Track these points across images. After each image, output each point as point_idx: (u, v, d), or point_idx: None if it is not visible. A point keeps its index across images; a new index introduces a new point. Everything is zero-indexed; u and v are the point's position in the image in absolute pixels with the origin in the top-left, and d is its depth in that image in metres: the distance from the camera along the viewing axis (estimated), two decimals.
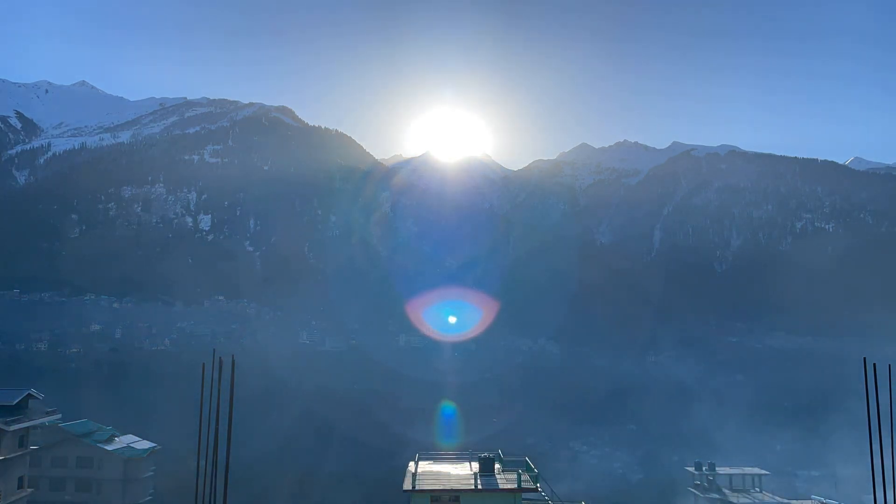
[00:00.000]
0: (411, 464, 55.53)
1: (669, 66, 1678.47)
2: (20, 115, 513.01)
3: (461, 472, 53.50)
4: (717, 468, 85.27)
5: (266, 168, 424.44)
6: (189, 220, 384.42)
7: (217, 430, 27.40)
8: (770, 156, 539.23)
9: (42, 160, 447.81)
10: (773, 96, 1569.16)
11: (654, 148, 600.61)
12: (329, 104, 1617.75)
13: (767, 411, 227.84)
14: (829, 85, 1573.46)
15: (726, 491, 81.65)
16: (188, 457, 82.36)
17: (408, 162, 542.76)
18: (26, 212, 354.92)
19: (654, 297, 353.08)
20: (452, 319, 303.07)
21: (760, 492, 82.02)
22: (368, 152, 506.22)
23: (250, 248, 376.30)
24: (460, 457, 60.19)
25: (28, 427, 69.92)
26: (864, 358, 28.73)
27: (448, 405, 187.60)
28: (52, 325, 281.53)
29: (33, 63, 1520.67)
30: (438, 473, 53.30)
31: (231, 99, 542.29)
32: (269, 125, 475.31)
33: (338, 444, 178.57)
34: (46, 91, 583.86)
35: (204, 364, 27.95)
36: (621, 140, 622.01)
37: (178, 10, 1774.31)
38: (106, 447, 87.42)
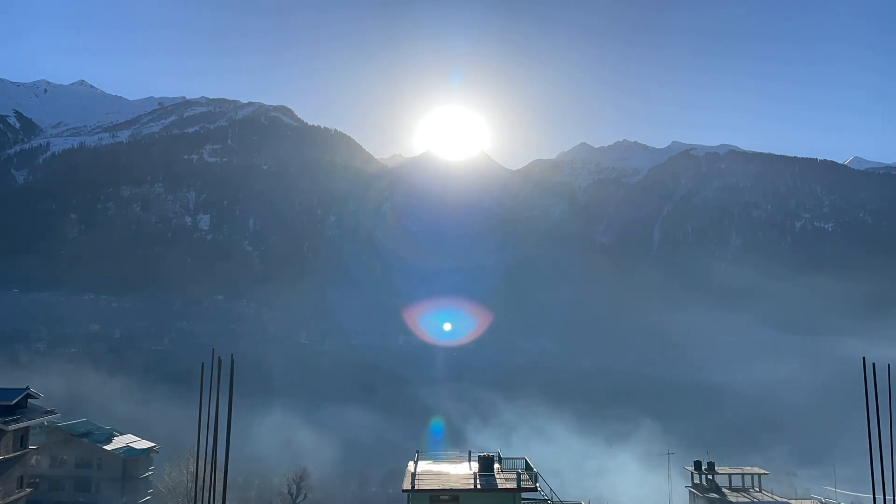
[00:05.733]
0: (410, 463, 55.43)
1: (669, 67, 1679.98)
2: (19, 115, 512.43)
3: (461, 472, 53.42)
4: (716, 467, 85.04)
5: (265, 167, 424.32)
6: (188, 219, 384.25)
7: (216, 429, 27.40)
8: (769, 155, 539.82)
9: (41, 160, 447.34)
10: (772, 96, 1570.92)
11: (653, 147, 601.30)
12: (329, 103, 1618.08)
13: (768, 410, 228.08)
14: (829, 85, 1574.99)
15: (725, 490, 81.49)
16: (188, 456, 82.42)
17: (407, 161, 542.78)
18: (25, 211, 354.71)
19: (653, 295, 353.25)
20: (447, 326, 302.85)
21: (760, 491, 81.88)
22: (368, 152, 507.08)
23: (249, 248, 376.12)
24: (460, 456, 60.07)
25: (27, 426, 69.83)
26: (864, 358, 28.74)
27: (437, 422, 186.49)
28: (52, 325, 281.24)
29: (32, 63, 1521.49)
30: (438, 473, 53.22)
31: (230, 98, 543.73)
32: (269, 124, 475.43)
33: (337, 443, 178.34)
34: (45, 91, 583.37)
35: (203, 364, 27.96)
36: (621, 139, 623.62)
37: (177, 9, 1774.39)
38: (105, 447, 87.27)
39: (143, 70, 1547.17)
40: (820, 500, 79.77)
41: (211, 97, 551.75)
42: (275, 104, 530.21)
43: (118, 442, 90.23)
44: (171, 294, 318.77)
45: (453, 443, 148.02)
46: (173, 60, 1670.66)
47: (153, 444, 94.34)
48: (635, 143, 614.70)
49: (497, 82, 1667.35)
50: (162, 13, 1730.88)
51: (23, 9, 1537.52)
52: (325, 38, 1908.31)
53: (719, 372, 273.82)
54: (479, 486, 49.13)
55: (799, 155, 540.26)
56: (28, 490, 72.19)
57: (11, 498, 67.23)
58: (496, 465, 53.68)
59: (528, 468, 52.96)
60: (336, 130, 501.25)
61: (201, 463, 28.38)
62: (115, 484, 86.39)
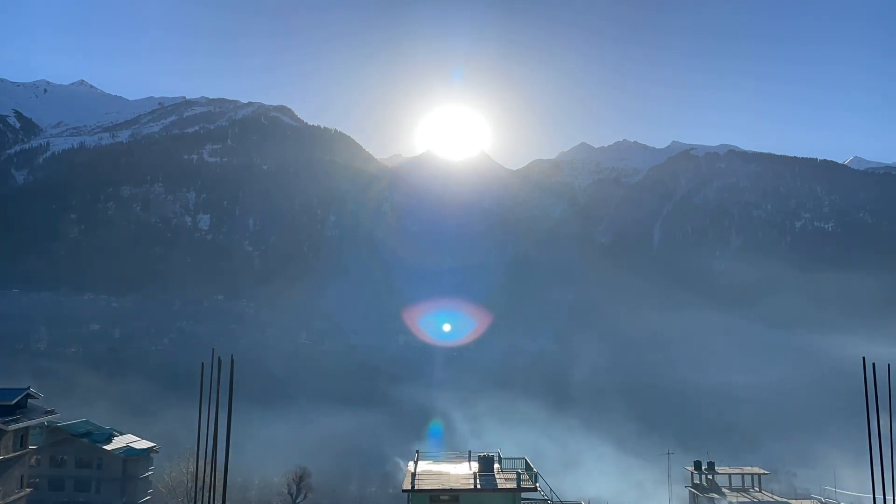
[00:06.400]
0: (410, 463, 55.50)
1: (669, 66, 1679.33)
2: (19, 115, 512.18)
3: (460, 472, 53.47)
4: (716, 467, 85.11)
5: (265, 167, 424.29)
6: (188, 219, 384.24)
7: (216, 429, 27.38)
8: (769, 155, 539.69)
9: (41, 160, 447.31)
10: (772, 96, 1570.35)
11: (653, 147, 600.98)
12: (329, 103, 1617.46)
13: (768, 409, 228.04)
14: (829, 84, 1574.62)
15: (725, 490, 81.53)
16: (188, 456, 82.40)
17: (407, 161, 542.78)
18: (25, 211, 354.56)
19: (654, 295, 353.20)
20: (447, 327, 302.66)
21: (760, 491, 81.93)
22: (368, 152, 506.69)
23: (249, 248, 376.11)
24: (460, 456, 60.12)
25: (27, 426, 69.89)
26: (864, 357, 28.74)
27: (437, 424, 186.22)
28: (51, 325, 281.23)
29: (32, 62, 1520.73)
30: (438, 473, 53.26)
31: (230, 98, 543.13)
32: (269, 124, 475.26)
33: (337, 443, 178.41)
34: (45, 90, 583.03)
35: (203, 364, 27.95)
36: (621, 139, 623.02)
37: (177, 9, 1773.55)
38: (105, 446, 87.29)
39: (142, 70, 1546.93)
40: (820, 500, 79.77)
41: (211, 97, 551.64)
42: (275, 104, 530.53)
43: (118, 442, 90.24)
44: (171, 294, 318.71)
45: (452, 443, 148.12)
46: (173, 60, 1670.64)
47: (153, 444, 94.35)
48: (635, 143, 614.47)
49: (497, 82, 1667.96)
50: (162, 13, 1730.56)
51: (23, 9, 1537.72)
52: (325, 38, 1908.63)
53: (719, 371, 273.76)
54: (479, 486, 49.15)
55: (799, 155, 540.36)
56: (28, 490, 72.23)
57: (11, 498, 67.26)
58: (496, 465, 53.69)
59: (528, 468, 53.01)
60: (336, 130, 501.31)
61: (201, 463, 28.38)
62: (115, 484, 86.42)
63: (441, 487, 49.00)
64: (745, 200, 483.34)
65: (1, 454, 64.92)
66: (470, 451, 59.21)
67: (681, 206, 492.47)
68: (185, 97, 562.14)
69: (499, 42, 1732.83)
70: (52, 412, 75.44)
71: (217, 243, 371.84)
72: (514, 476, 50.48)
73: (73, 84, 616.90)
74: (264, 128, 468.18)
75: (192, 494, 62.94)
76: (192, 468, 77.12)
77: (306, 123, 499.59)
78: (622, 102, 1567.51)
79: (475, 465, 54.20)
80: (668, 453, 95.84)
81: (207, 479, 27.18)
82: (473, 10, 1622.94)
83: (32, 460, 79.39)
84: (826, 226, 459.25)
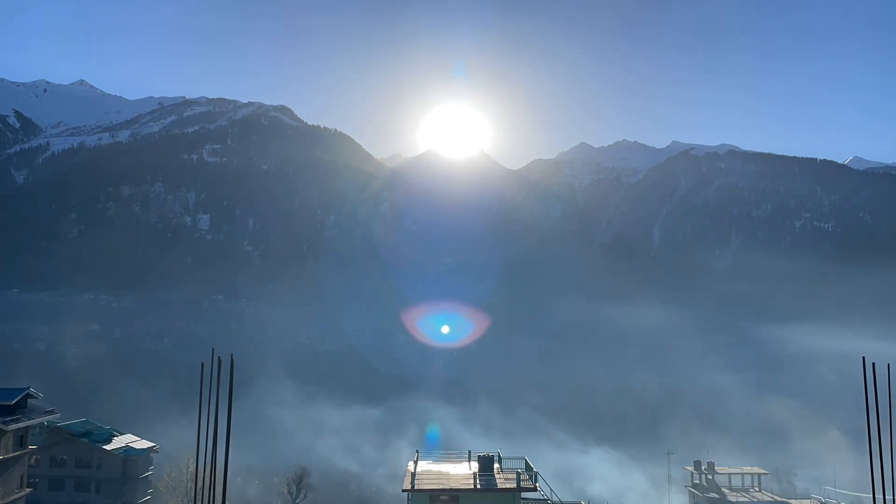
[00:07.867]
0: (410, 463, 55.54)
1: (669, 66, 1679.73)
2: (19, 115, 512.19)
3: (460, 472, 53.49)
4: (716, 467, 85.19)
5: (265, 167, 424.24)
6: (188, 219, 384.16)
7: (216, 429, 27.36)
8: (769, 155, 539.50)
9: (41, 160, 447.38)
10: (772, 95, 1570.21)
11: (653, 147, 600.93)
12: (328, 103, 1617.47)
13: (768, 409, 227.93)
14: (829, 84, 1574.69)
15: (725, 490, 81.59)
16: (187, 456, 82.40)
17: (408, 161, 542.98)
18: (25, 211, 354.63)
19: (654, 296, 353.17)
20: (445, 329, 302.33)
21: (760, 491, 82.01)
22: (368, 151, 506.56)
23: (249, 248, 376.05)
24: (459, 456, 60.14)
25: (27, 426, 69.88)
26: (864, 357, 28.74)
27: (434, 427, 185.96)
28: (51, 325, 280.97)
29: (32, 62, 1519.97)
30: (438, 473, 53.29)
31: (230, 98, 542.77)
32: (268, 124, 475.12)
33: (337, 443, 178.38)
34: (45, 90, 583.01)
35: (203, 363, 27.93)
36: (620, 139, 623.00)
37: (176, 9, 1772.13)
38: (105, 446, 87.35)
39: (142, 70, 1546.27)
40: (820, 500, 79.87)
41: (211, 97, 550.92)
42: (275, 104, 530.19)
43: (118, 442, 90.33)
44: (171, 294, 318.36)
45: (451, 444, 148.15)
46: (173, 60, 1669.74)
47: (153, 444, 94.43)
48: (635, 142, 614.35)
49: (497, 81, 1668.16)
50: (161, 13, 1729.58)
51: (23, 9, 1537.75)
52: (325, 38, 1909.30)
53: (719, 371, 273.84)
54: (478, 486, 49.19)
55: (799, 155, 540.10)
56: (28, 490, 72.23)
57: (11, 498, 67.27)
58: (496, 465, 53.71)
59: (527, 468, 53.03)
60: (336, 130, 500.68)
61: (201, 463, 28.36)
62: (115, 484, 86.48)
63: (441, 487, 49.02)
64: (745, 200, 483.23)
65: (1, 454, 64.89)
66: (470, 451, 59.29)
67: (681, 206, 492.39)
68: (184, 97, 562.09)
69: (498, 41, 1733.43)
70: (52, 412, 75.45)
71: (217, 243, 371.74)
72: (514, 476, 50.51)
73: (72, 84, 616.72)
74: (264, 128, 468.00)
75: (192, 494, 62.96)
76: (191, 468, 77.19)
77: (306, 123, 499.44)
78: (622, 102, 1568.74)
79: (475, 465, 54.22)
80: (669, 453, 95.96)
81: (207, 479, 27.16)
82: (473, 10, 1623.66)
83: (32, 460, 79.41)
84: (826, 226, 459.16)
